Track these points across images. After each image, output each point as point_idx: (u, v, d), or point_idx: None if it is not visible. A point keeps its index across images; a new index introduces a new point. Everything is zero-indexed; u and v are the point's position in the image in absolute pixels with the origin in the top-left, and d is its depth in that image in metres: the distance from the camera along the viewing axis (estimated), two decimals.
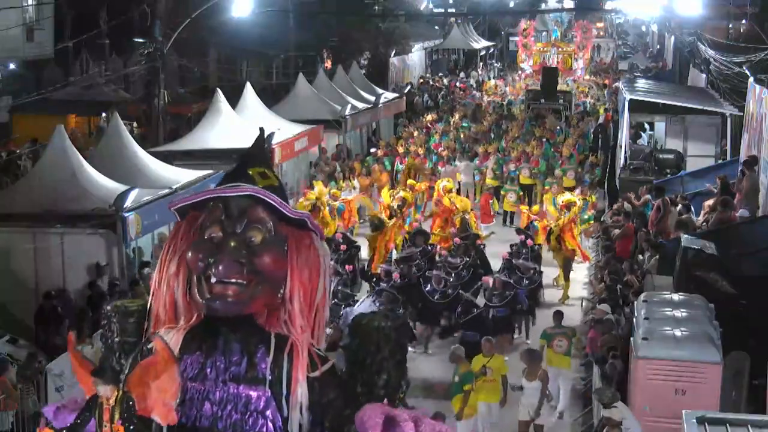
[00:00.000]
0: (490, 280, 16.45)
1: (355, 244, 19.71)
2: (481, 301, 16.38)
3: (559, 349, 13.90)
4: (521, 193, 25.27)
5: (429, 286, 16.72)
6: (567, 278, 19.62)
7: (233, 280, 4.07)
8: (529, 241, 18.83)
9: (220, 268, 4.04)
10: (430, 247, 19.19)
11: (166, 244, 4.37)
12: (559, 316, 14.63)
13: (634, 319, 12.36)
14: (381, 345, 4.57)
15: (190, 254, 4.18)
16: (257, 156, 4.61)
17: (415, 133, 32.79)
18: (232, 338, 4.25)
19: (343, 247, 18.67)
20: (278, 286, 4.20)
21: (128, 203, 15.30)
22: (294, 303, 4.21)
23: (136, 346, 4.68)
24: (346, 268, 17.28)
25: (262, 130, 5.96)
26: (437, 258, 18.76)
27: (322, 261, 4.26)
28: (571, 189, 23.92)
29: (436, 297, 16.53)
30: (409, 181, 23.78)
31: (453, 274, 17.18)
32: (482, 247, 19.32)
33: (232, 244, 4.08)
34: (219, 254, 4.07)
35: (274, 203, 4.19)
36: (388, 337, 4.60)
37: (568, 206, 19.85)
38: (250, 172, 4.32)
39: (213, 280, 4.08)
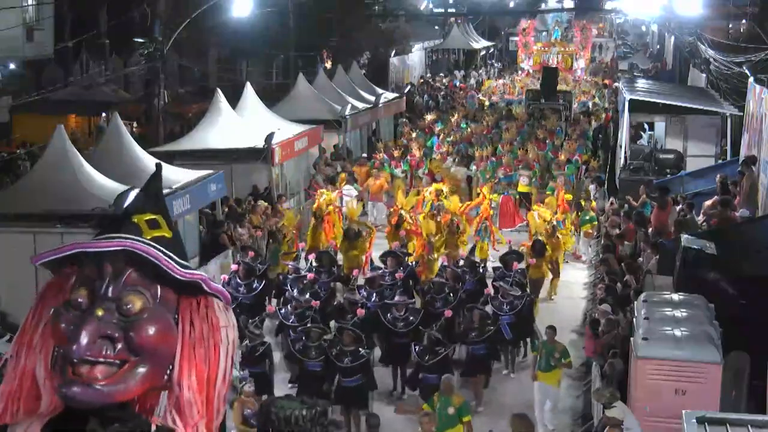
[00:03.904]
0: (449, 313, 14.49)
1: (332, 269, 17.37)
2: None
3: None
4: (518, 196, 24.66)
5: (390, 314, 14.70)
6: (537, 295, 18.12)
7: (102, 360, 3.11)
8: (515, 264, 17.01)
9: (82, 343, 3.06)
10: (403, 269, 16.94)
11: (31, 309, 3.40)
12: (552, 331, 13.76)
13: (634, 319, 12.36)
14: None
15: (51, 323, 3.22)
16: (149, 199, 3.55)
17: (414, 134, 32.70)
18: None
19: (311, 275, 16.31)
20: (164, 366, 3.28)
21: (128, 203, 15.27)
22: (183, 388, 3.27)
23: None
24: (313, 303, 14.91)
25: (158, 166, 4.13)
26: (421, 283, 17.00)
27: (223, 335, 3.34)
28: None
29: (399, 326, 14.52)
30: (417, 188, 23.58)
31: (438, 301, 15.39)
32: (483, 271, 17.46)
33: (100, 312, 3.14)
34: (82, 325, 3.11)
35: (156, 261, 3.27)
36: (303, 429, 3.91)
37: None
38: (135, 220, 3.41)
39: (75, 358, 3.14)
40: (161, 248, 3.34)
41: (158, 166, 3.72)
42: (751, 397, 11.79)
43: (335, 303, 16.04)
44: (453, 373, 13.01)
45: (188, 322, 3.31)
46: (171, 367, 3.25)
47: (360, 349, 13.00)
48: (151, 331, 3.18)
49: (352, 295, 15.53)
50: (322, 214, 20.39)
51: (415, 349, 13.47)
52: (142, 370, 3.18)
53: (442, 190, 22.23)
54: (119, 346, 3.13)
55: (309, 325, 13.88)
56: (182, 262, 3.34)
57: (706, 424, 7.77)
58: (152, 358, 3.22)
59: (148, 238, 3.33)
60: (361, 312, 14.45)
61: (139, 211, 3.42)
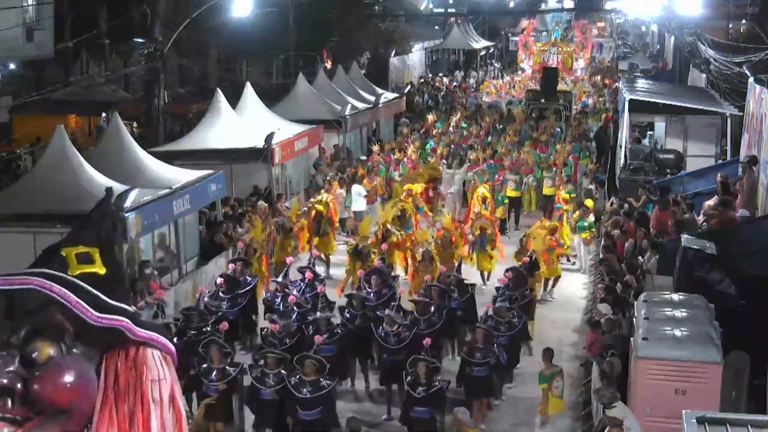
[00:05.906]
0: (428, 341, 13.03)
1: (315, 283, 16.13)
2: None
3: (557, 392, 13.08)
4: (507, 201, 24.05)
5: (381, 328, 13.92)
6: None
7: None
8: (503, 277, 16.21)
9: None
10: (387, 290, 15.83)
11: None
12: (549, 354, 13.32)
13: (634, 319, 12.36)
14: None
15: None
16: (88, 229, 3.16)
17: (412, 136, 32.55)
18: None
19: (289, 297, 15.29)
20: (80, 423, 2.90)
21: (128, 203, 15.30)
22: None
23: None
24: (271, 327, 13.95)
25: (108, 190, 3.38)
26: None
27: (152, 390, 2.98)
28: (549, 197, 23.84)
29: (392, 342, 13.72)
30: (407, 186, 22.70)
31: (422, 321, 14.35)
32: (472, 290, 16.41)
33: None
34: None
35: (67, 303, 2.88)
36: None
37: (553, 231, 19.00)
38: (64, 253, 3.04)
39: None
40: (83, 287, 2.90)
41: (108, 191, 3.28)
42: (751, 397, 11.79)
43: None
44: (445, 407, 12.05)
45: (112, 374, 2.94)
46: (89, 424, 2.87)
47: (321, 379, 11.98)
48: (55, 385, 2.79)
49: (326, 314, 14.42)
50: (291, 226, 19.62)
51: (406, 379, 12.31)
52: (50, 427, 2.80)
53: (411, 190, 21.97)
54: (18, 399, 2.76)
55: (265, 350, 12.81)
56: (115, 304, 2.92)
57: (706, 424, 7.76)
58: (61, 414, 2.83)
59: (76, 273, 2.96)
60: (319, 339, 13.26)
61: (71, 243, 3.06)
